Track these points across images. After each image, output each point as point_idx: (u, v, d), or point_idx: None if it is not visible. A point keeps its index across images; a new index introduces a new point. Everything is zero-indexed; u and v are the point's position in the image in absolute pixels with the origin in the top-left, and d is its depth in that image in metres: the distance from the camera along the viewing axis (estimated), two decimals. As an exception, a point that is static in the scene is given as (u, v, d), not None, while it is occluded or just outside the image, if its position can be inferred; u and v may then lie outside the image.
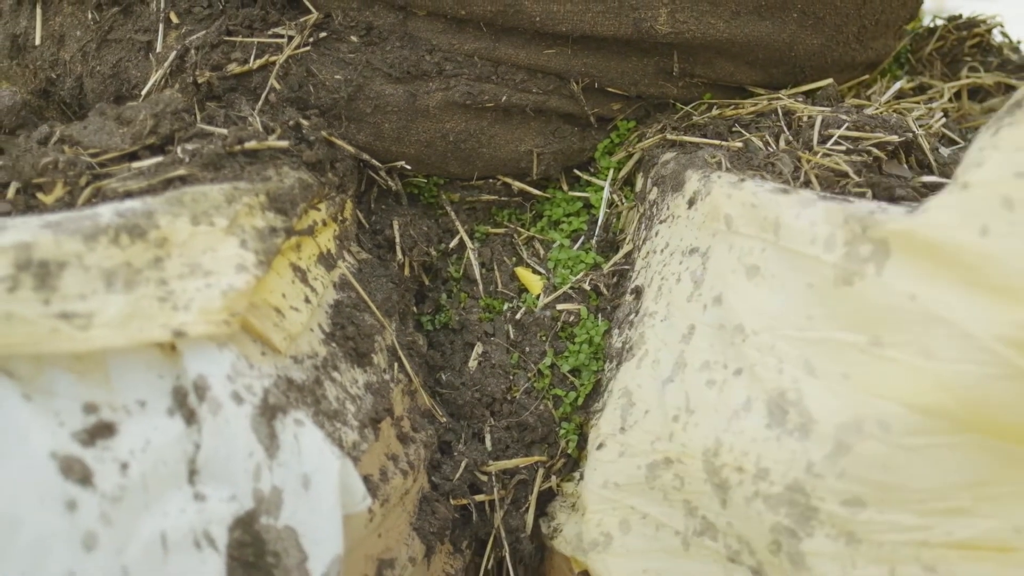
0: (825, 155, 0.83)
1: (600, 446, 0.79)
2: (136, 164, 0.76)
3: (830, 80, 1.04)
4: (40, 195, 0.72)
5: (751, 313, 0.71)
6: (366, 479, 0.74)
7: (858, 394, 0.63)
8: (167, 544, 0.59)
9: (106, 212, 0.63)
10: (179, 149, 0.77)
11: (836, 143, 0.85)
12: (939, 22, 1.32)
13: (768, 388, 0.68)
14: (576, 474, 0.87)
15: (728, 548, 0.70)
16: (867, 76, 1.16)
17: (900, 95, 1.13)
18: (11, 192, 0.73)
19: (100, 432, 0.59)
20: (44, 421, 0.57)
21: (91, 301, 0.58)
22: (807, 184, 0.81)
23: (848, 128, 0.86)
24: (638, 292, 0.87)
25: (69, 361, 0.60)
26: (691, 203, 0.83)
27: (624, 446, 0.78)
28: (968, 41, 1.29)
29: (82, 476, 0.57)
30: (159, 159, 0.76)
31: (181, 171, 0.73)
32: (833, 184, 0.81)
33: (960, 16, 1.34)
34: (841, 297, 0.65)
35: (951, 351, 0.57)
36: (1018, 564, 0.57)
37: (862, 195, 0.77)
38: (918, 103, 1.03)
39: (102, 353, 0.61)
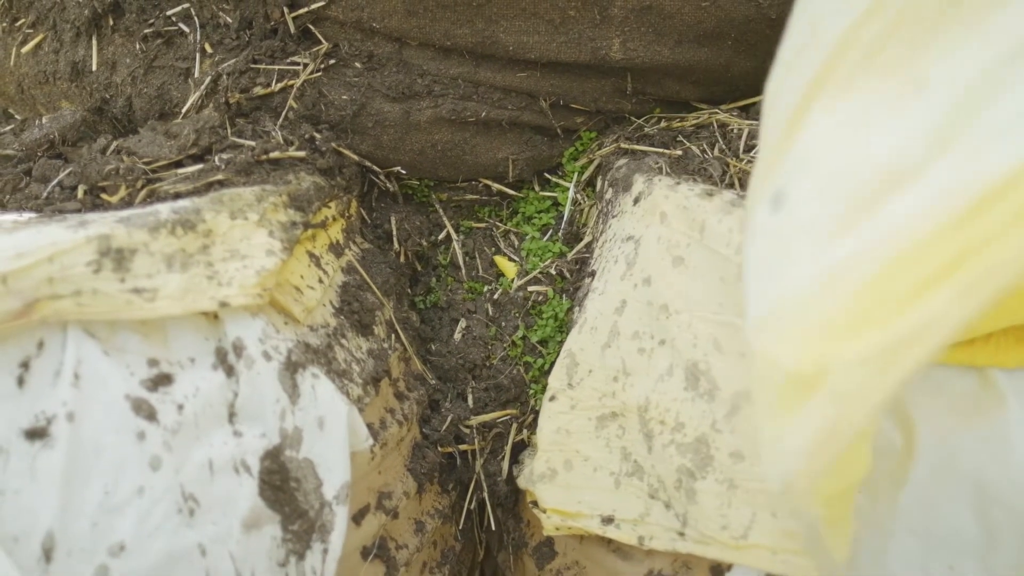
0: (749, 162, 0.91)
1: (552, 398, 0.85)
2: (181, 171, 0.81)
3: (763, 96, 1.12)
4: (104, 195, 0.79)
5: (675, 295, 0.77)
6: (368, 426, 0.79)
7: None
8: (213, 468, 0.65)
9: (164, 210, 0.69)
10: (216, 158, 0.83)
11: (758, 152, 0.95)
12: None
13: (685, 358, 0.74)
14: (541, 427, 0.95)
15: (650, 486, 0.76)
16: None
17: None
18: (80, 193, 0.80)
19: (161, 381, 0.64)
20: (119, 371, 0.62)
21: (156, 279, 0.64)
22: (731, 186, 0.88)
23: (769, 139, 0.96)
24: (593, 275, 0.94)
25: (137, 326, 0.64)
26: (636, 201, 0.90)
27: (575, 400, 0.83)
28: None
29: (148, 413, 0.62)
30: (200, 166, 0.82)
31: (219, 176, 0.79)
32: (753, 186, 0.91)
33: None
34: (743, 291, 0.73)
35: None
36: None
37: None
38: None
39: (163, 320, 0.65)
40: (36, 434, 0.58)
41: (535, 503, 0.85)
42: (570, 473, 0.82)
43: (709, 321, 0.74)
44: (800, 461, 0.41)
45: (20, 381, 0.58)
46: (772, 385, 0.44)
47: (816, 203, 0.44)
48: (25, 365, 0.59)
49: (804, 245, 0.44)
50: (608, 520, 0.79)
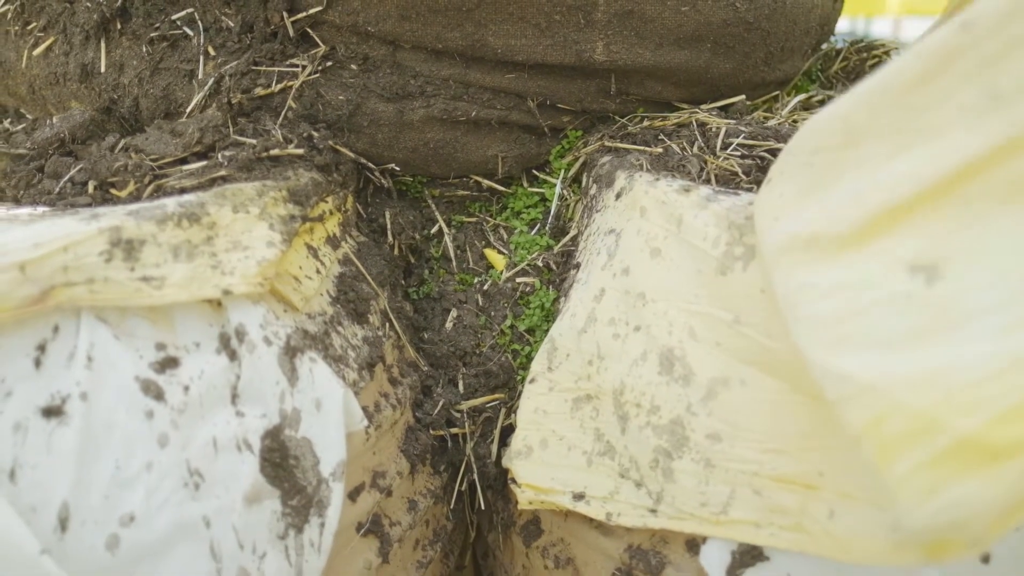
0: (725, 159, 0.93)
1: (532, 380, 0.87)
2: (186, 167, 0.83)
3: (742, 96, 1.12)
4: (113, 190, 0.81)
5: (652, 285, 0.79)
6: (363, 408, 0.81)
7: (726, 358, 0.71)
8: (217, 446, 0.67)
9: (170, 203, 0.71)
10: (219, 155, 0.85)
11: (735, 149, 0.95)
12: (843, 44, 1.39)
13: (660, 344, 0.76)
14: (527, 411, 0.96)
15: (621, 466, 0.78)
16: (778, 92, 1.24)
17: (807, 106, 1.23)
18: (90, 188, 0.82)
19: (168, 364, 0.66)
20: (129, 355, 0.64)
21: (163, 268, 0.66)
22: (708, 182, 0.90)
23: (745, 137, 0.96)
24: (578, 267, 0.96)
25: (145, 312, 0.67)
26: (618, 196, 0.92)
27: (553, 383, 0.85)
28: (868, 61, 1.36)
29: (156, 394, 0.64)
30: (204, 163, 0.84)
31: (222, 172, 0.81)
32: (729, 181, 0.90)
33: (862, 40, 1.42)
34: (718, 283, 0.73)
35: (782, 335, 0.64)
36: (817, 499, 0.64)
37: (750, 190, 0.86)
38: (811, 114, 1.14)
39: (169, 307, 0.68)
40: (52, 412, 0.60)
41: (513, 479, 0.87)
42: (545, 451, 0.85)
43: (684, 310, 0.76)
44: (1000, 513, 0.46)
45: (37, 363, 0.61)
46: (924, 439, 0.48)
47: (994, 294, 0.49)
48: (42, 348, 0.61)
49: (979, 327, 0.49)
50: (579, 496, 0.81)
